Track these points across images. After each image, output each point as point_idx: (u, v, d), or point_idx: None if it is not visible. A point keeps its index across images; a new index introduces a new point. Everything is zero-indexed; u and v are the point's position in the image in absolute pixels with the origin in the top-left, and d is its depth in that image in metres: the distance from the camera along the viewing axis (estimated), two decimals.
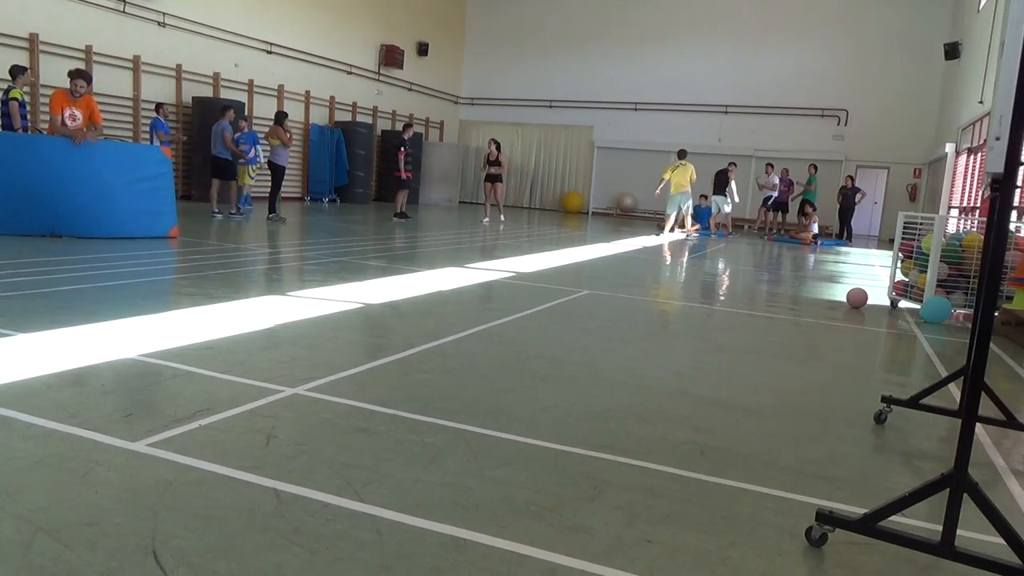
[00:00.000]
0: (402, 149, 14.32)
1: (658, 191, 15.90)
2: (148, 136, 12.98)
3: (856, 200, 18.19)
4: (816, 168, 18.49)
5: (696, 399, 3.65)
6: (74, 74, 8.43)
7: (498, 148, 15.65)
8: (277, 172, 12.44)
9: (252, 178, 13.31)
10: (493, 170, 15.52)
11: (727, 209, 17.59)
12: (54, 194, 7.78)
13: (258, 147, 13.34)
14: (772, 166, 18.66)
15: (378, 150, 21.16)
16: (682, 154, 15.91)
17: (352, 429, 2.83)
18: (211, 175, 12.35)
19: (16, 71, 9.57)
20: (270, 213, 12.24)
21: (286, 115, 12.78)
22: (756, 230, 19.38)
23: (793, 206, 18.60)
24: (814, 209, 17.79)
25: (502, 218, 16.52)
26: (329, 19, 19.32)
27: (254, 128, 14.48)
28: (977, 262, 6.41)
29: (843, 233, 18.41)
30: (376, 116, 21.41)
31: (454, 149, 23.70)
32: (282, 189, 13.03)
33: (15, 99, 9.23)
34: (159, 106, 12.91)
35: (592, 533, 2.13)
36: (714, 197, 17.57)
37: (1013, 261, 6.23)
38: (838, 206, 18.49)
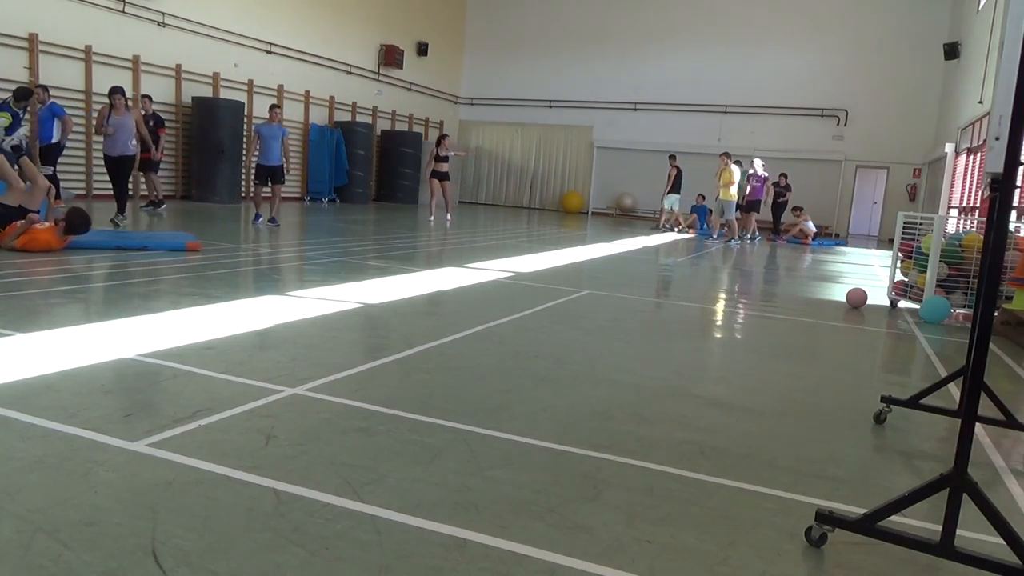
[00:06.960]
0: (163, 127, 12.39)
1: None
2: (47, 124, 10.42)
3: (784, 199, 17.65)
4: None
5: (696, 399, 3.65)
6: None
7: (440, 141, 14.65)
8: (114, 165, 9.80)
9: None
10: (441, 167, 14.40)
11: (676, 208, 17.97)
12: None
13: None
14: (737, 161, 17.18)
15: (378, 150, 21.16)
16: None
17: (352, 429, 2.83)
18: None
19: (21, 94, 8.89)
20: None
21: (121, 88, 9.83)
22: (746, 235, 16.78)
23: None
24: (801, 209, 17.72)
25: (449, 217, 14.86)
26: (328, 19, 19.32)
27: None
28: (977, 262, 6.41)
29: (776, 229, 17.84)
30: (376, 116, 21.41)
31: (453, 149, 23.67)
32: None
33: None
34: (35, 89, 10.53)
35: (592, 533, 2.13)
36: (669, 196, 17.80)
37: (1013, 261, 6.23)
38: (770, 202, 17.45)
